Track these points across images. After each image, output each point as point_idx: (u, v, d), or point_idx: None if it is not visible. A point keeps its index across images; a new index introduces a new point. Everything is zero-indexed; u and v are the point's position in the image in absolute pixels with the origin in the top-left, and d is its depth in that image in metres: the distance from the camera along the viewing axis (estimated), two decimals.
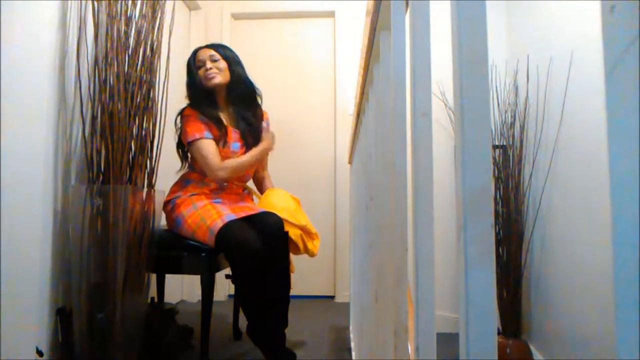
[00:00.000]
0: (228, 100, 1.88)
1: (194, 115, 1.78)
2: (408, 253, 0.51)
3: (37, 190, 1.40)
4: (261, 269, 1.60)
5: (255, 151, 1.87)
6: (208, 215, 1.66)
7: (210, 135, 1.77)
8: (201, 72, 1.83)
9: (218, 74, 1.82)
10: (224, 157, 1.79)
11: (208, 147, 1.75)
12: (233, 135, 1.83)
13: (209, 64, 1.82)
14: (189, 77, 1.86)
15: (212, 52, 1.84)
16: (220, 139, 1.79)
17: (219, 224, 1.61)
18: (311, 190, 3.07)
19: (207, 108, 1.80)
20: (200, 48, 1.88)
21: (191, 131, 1.77)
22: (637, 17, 0.18)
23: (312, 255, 1.83)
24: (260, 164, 2.03)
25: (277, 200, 1.83)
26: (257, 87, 1.95)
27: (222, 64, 1.84)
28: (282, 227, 1.68)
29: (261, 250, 1.59)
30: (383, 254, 0.64)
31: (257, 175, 2.09)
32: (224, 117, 1.86)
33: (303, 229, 1.78)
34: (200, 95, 1.83)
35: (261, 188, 2.09)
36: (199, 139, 1.76)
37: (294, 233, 1.74)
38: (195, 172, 1.85)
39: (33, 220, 1.39)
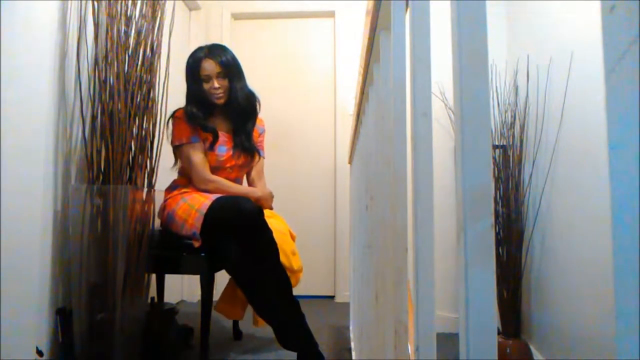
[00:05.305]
0: (227, 110, 1.85)
1: (184, 118, 1.78)
2: (408, 253, 0.51)
3: (37, 190, 1.40)
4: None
5: (249, 190, 1.90)
6: (196, 201, 1.66)
7: (196, 140, 1.77)
8: (207, 86, 1.78)
9: (224, 94, 1.79)
10: (209, 160, 1.79)
11: (195, 154, 1.76)
12: (221, 138, 1.81)
13: (216, 83, 1.77)
14: (193, 85, 1.80)
15: (219, 68, 1.77)
16: (207, 142, 1.78)
17: (207, 203, 1.61)
18: (311, 190, 3.07)
19: (201, 119, 1.78)
20: (204, 56, 1.78)
21: (178, 135, 1.78)
22: (637, 17, 0.18)
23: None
24: (258, 174, 2.02)
25: (281, 238, 1.74)
26: (257, 96, 1.91)
27: (227, 82, 1.79)
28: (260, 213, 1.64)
29: (258, 213, 1.57)
30: (383, 253, 0.64)
31: (249, 180, 2.05)
32: (218, 120, 1.85)
33: (290, 269, 1.72)
34: (201, 106, 1.79)
35: None
36: (185, 144, 1.77)
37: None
38: (183, 178, 1.85)
39: (33, 220, 1.39)
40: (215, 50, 1.81)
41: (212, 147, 1.79)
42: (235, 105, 1.82)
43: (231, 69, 1.80)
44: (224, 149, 1.82)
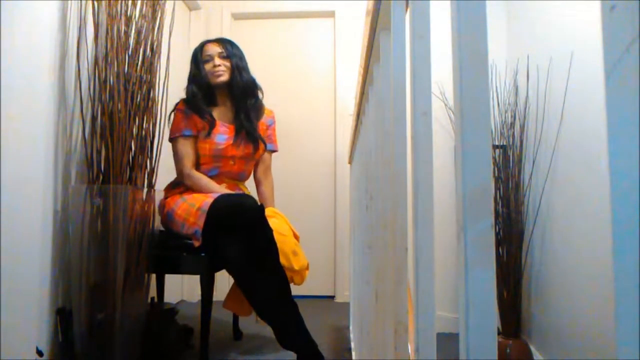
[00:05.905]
0: (228, 97, 1.87)
1: (181, 111, 1.80)
2: (408, 253, 0.51)
3: (37, 190, 1.40)
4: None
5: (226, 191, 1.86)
6: (196, 200, 1.65)
7: (188, 133, 1.78)
8: (208, 66, 1.83)
9: (225, 72, 1.83)
10: (208, 149, 1.79)
11: (182, 147, 1.78)
12: (220, 128, 1.81)
13: (217, 61, 1.82)
14: (194, 70, 1.85)
15: (221, 49, 1.84)
16: (203, 130, 1.78)
17: (209, 201, 1.59)
18: (311, 190, 3.07)
19: (200, 101, 1.79)
20: (208, 42, 1.88)
21: (173, 128, 1.80)
22: (637, 17, 0.18)
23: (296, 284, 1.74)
24: (265, 172, 2.00)
25: (280, 239, 1.71)
26: (258, 84, 1.92)
27: (229, 62, 1.84)
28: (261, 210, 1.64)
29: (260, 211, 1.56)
30: (383, 254, 0.64)
31: (256, 176, 2.03)
32: (219, 111, 1.86)
33: (291, 270, 1.71)
34: (201, 89, 1.82)
35: (259, 193, 2.03)
36: (177, 137, 1.78)
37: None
38: None
39: (33, 220, 1.39)
40: (222, 38, 1.92)
41: (209, 134, 1.78)
42: (236, 83, 1.83)
43: (233, 52, 1.86)
44: (223, 137, 1.81)
